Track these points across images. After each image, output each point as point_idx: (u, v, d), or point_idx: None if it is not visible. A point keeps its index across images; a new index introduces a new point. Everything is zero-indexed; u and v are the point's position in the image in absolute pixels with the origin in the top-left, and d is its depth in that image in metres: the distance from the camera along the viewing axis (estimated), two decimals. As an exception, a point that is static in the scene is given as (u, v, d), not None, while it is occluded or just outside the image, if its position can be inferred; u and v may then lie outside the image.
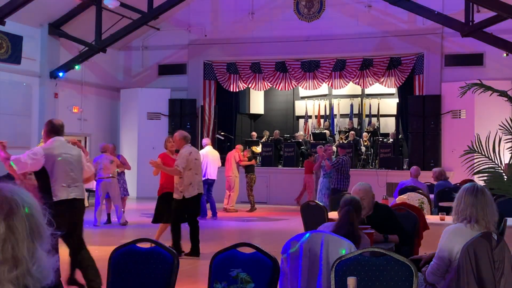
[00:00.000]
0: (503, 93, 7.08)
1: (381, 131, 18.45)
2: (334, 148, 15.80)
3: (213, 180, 12.85)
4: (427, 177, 11.59)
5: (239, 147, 14.73)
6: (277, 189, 16.19)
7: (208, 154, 12.79)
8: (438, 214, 6.90)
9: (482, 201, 3.65)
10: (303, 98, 20.08)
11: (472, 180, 6.90)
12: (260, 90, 18.66)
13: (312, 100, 19.89)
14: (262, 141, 18.23)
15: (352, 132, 17.29)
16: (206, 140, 13.61)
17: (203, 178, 12.30)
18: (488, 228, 3.61)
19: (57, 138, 5.46)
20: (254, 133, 18.93)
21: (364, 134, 17.71)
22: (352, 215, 4.23)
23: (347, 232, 4.12)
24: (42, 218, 1.53)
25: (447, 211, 6.53)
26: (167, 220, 8.26)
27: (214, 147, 16.80)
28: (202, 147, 13.77)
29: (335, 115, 19.55)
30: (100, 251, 8.44)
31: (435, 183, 9.85)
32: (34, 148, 5.71)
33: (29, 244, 1.48)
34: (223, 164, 13.97)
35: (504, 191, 6.39)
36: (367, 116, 19.14)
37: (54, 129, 5.48)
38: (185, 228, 8.12)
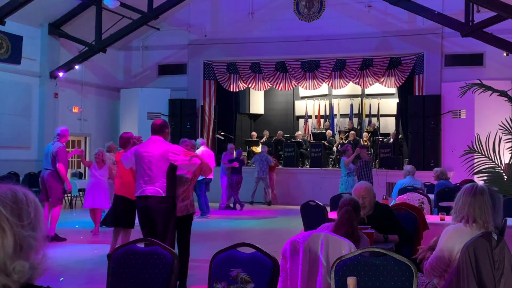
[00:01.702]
0: (503, 93, 7.09)
1: (381, 131, 18.45)
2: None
3: (210, 179, 12.87)
4: (427, 177, 11.58)
5: (229, 147, 14.73)
6: (277, 189, 16.17)
7: (205, 153, 12.78)
8: (438, 214, 6.90)
9: (479, 201, 3.65)
10: (303, 98, 20.07)
11: (472, 180, 6.90)
12: (260, 90, 18.65)
13: (312, 100, 19.88)
14: (262, 141, 18.22)
15: (352, 132, 17.30)
16: (203, 140, 13.64)
17: (201, 178, 12.35)
18: (486, 228, 3.60)
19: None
20: (254, 133, 18.92)
21: (364, 134, 17.71)
22: (352, 215, 4.24)
23: (347, 232, 4.12)
24: (17, 217, 1.50)
25: (447, 211, 6.53)
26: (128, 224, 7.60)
27: (214, 147, 16.86)
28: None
29: (335, 115, 19.53)
30: (100, 251, 8.48)
31: (435, 183, 9.85)
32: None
33: None
34: (218, 164, 13.99)
35: (504, 191, 6.39)
36: (367, 116, 19.13)
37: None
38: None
